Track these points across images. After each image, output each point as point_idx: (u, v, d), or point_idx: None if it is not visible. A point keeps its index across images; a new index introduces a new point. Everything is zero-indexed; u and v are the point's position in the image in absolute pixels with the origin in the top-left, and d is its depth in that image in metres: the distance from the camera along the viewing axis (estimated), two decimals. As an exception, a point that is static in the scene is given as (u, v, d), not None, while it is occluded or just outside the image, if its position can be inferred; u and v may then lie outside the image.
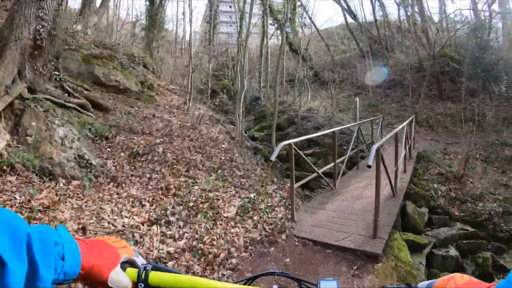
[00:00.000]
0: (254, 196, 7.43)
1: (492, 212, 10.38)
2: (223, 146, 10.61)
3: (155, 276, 0.92)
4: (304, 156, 7.73)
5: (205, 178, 7.96)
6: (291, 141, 7.04)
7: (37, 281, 0.70)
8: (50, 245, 0.75)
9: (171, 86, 17.37)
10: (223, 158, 9.65)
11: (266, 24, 22.16)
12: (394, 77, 24.89)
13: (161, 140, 9.26)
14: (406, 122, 11.64)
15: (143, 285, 0.91)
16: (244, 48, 15.46)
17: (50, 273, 0.73)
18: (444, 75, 23.51)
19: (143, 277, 0.91)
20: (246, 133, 17.64)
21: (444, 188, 12.21)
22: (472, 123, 20.29)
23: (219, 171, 8.71)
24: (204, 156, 9.28)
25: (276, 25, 25.13)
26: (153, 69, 17.03)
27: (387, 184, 8.15)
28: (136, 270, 0.94)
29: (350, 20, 31.07)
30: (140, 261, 0.99)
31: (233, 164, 9.46)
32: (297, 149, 7.23)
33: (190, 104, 14.22)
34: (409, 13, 28.58)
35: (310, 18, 30.51)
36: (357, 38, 29.39)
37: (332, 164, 8.97)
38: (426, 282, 0.98)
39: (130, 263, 0.97)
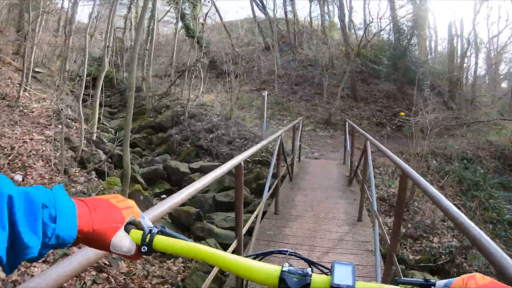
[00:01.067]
0: None
1: (452, 250, 7.66)
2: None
3: (160, 241, 0.82)
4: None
5: None
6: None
7: (21, 247, 0.61)
8: (36, 207, 0.63)
9: (36, 69, 13.85)
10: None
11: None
12: (303, 73, 20.64)
13: None
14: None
15: (146, 249, 0.80)
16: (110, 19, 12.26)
17: (36, 238, 0.63)
18: (357, 75, 19.73)
19: (147, 240, 0.81)
20: (116, 134, 13.20)
21: (391, 221, 8.20)
22: (392, 128, 17.08)
23: None
24: None
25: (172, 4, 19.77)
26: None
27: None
28: (141, 232, 0.82)
29: (257, 13, 27.33)
30: (147, 223, 0.86)
31: None
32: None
33: (22, 93, 10.46)
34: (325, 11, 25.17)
35: (214, 5, 25.54)
36: (263, 31, 24.90)
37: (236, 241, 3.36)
38: (444, 281, 0.86)
39: (136, 225, 0.84)
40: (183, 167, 10.20)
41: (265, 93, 11.30)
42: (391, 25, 20.93)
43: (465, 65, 23.69)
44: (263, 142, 4.34)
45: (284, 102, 17.44)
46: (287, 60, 22.14)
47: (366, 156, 5.39)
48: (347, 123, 9.91)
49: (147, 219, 0.88)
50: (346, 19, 22.42)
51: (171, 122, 13.23)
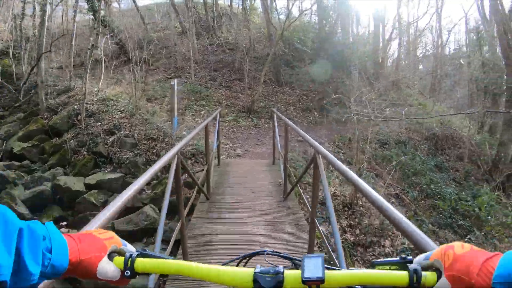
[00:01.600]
0: None
1: (408, 254, 5.15)
2: None
3: (140, 263, 0.85)
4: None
5: None
6: None
7: (24, 273, 0.66)
8: (38, 239, 0.70)
9: None
10: None
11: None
12: (222, 58, 18.46)
13: None
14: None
15: (129, 272, 0.84)
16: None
17: (37, 266, 0.68)
18: (280, 58, 17.97)
19: (129, 264, 0.84)
20: (3, 145, 10.60)
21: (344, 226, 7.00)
22: (320, 113, 15.62)
23: None
24: None
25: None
26: None
27: None
28: (123, 258, 0.86)
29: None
30: (128, 249, 0.92)
31: None
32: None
33: None
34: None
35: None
36: (180, 15, 22.22)
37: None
38: (424, 255, 0.85)
39: (118, 252, 0.90)
40: (77, 185, 7.79)
41: (174, 81, 9.02)
42: (315, 6, 19.40)
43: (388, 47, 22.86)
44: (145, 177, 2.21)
45: (201, 90, 15.13)
46: (205, 44, 19.72)
47: (316, 176, 3.33)
48: (274, 115, 7.84)
49: (129, 245, 0.92)
50: (268, 1, 20.51)
51: (67, 124, 10.52)
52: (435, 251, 0.80)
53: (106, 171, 8.44)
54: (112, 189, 7.70)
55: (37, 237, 0.68)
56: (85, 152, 9.03)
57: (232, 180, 6.68)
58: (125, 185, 7.59)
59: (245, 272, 0.80)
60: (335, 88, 16.97)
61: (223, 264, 0.87)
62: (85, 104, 10.49)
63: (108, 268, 0.82)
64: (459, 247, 0.75)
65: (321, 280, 0.77)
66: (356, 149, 9.38)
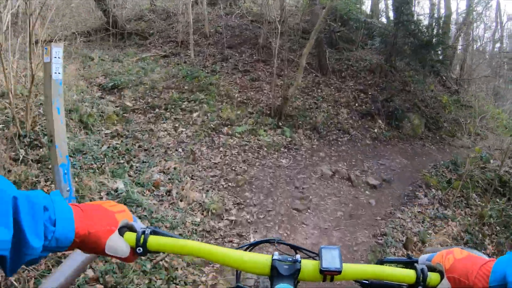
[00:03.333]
0: None
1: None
2: None
3: (154, 241, 0.78)
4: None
5: None
6: None
7: (25, 247, 0.58)
8: (38, 210, 0.61)
9: None
10: None
11: None
12: (242, 31, 12.07)
13: None
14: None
15: (141, 250, 0.77)
16: None
17: (38, 240, 0.60)
18: (324, 38, 11.37)
19: (141, 241, 0.77)
20: None
21: None
22: (387, 123, 9.27)
23: None
24: None
25: None
26: None
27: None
28: (135, 234, 0.78)
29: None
30: (139, 225, 0.82)
31: None
32: None
33: None
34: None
35: None
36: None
37: None
38: (426, 256, 0.84)
39: (129, 228, 0.81)
40: None
41: (51, 51, 2.43)
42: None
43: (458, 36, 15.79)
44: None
45: (202, 76, 8.64)
46: (220, 14, 13.19)
47: None
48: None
49: (139, 221, 0.83)
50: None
51: None
52: (436, 254, 0.79)
53: None
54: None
55: (37, 207, 0.59)
56: None
57: None
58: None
59: (263, 259, 0.75)
60: (403, 85, 10.70)
61: (237, 249, 0.83)
62: None
63: (119, 244, 0.73)
64: (458, 253, 0.75)
65: (338, 271, 0.74)
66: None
